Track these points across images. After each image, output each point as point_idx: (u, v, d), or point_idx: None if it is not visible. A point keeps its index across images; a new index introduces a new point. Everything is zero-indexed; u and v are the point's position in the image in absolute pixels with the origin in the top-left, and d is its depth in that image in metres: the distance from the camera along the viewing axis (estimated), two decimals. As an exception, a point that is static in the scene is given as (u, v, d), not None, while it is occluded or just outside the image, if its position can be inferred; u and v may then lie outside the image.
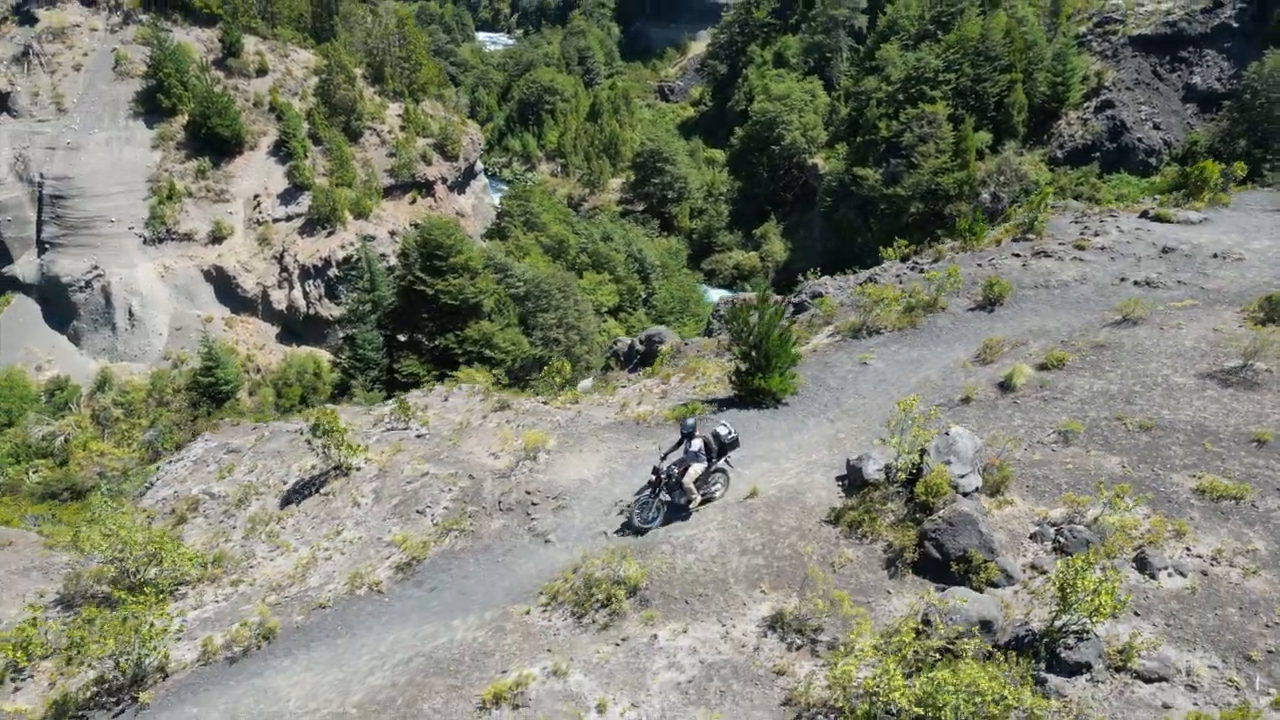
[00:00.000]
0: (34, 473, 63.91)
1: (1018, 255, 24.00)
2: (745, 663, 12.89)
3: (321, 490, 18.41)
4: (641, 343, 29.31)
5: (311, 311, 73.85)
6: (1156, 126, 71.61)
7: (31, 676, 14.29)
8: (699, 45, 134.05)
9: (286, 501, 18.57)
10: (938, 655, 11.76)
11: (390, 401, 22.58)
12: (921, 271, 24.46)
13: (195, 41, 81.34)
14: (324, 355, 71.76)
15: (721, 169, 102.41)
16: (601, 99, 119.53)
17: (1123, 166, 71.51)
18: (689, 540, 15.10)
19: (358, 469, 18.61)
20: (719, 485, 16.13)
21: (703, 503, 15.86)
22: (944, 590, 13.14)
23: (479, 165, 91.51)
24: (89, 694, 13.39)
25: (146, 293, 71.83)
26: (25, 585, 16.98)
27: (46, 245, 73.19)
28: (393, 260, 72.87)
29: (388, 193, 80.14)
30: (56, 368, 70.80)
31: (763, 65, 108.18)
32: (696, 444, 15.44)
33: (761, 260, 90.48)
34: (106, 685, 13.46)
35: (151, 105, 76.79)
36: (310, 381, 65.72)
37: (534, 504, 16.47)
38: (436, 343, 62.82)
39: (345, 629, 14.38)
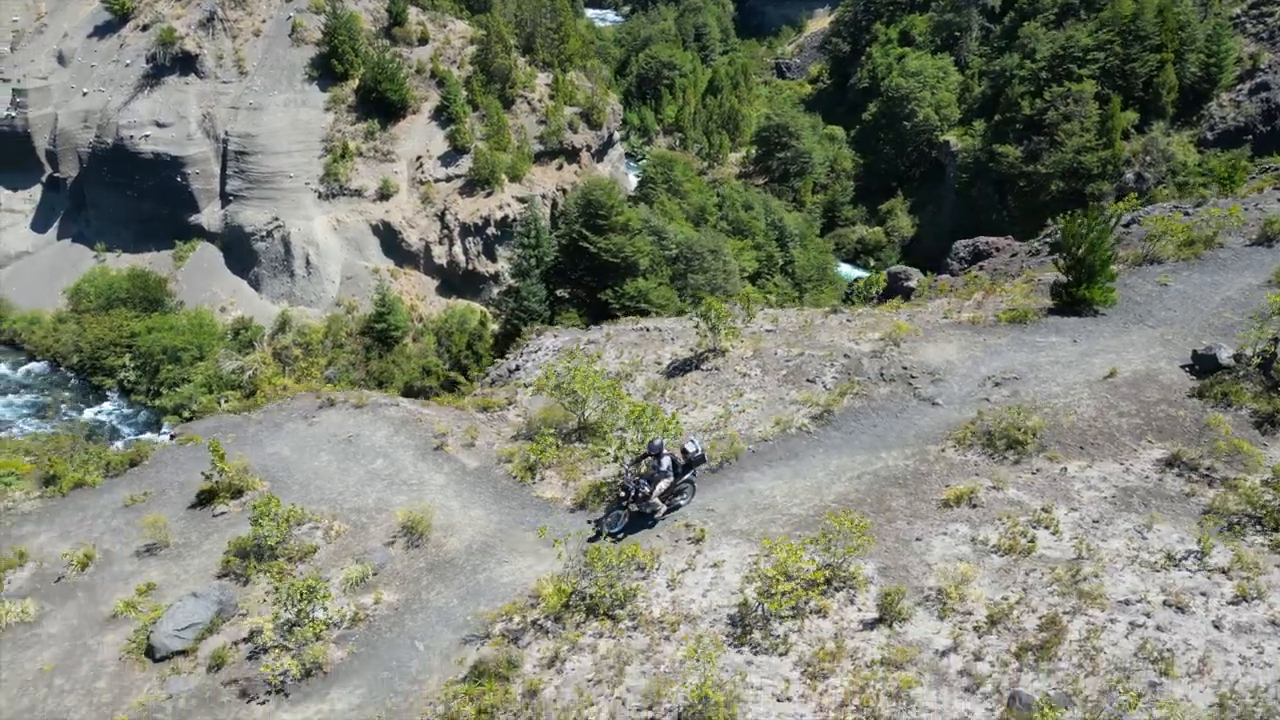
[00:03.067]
0: (224, 401, 70.14)
1: (1284, 200, 26.28)
2: (1154, 488, 15.84)
3: (702, 367, 21.96)
4: (885, 279, 32.36)
5: (470, 267, 78.61)
6: (1314, 109, 71.08)
7: (543, 478, 18.15)
8: (816, 24, 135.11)
9: (670, 375, 22.18)
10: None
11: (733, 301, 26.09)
12: (1187, 214, 26.84)
13: (363, 11, 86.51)
14: (481, 308, 76.63)
15: (842, 145, 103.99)
16: (720, 74, 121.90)
17: (1276, 150, 71.05)
18: (1066, 406, 18.08)
19: (731, 350, 22.12)
20: (685, 496, 16.75)
21: (668, 513, 16.55)
22: (1320, 441, 15.90)
23: (616, 135, 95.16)
24: (607, 484, 17.21)
25: (321, 243, 77.52)
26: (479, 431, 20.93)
27: (230, 197, 79.39)
28: (544, 221, 77.11)
29: (537, 158, 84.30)
30: (239, 309, 77.05)
31: (888, 44, 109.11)
32: (665, 461, 16.09)
33: (887, 235, 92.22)
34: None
35: (325, 70, 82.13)
36: (476, 330, 70.41)
37: (912, 377, 19.62)
38: (596, 297, 66.95)
39: (792, 455, 17.79)
